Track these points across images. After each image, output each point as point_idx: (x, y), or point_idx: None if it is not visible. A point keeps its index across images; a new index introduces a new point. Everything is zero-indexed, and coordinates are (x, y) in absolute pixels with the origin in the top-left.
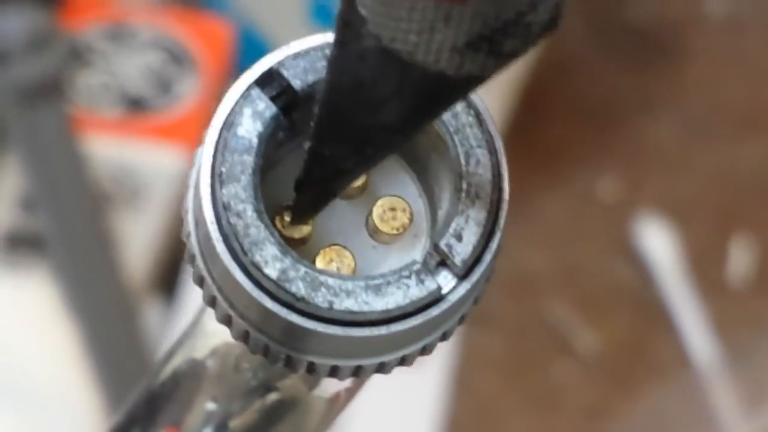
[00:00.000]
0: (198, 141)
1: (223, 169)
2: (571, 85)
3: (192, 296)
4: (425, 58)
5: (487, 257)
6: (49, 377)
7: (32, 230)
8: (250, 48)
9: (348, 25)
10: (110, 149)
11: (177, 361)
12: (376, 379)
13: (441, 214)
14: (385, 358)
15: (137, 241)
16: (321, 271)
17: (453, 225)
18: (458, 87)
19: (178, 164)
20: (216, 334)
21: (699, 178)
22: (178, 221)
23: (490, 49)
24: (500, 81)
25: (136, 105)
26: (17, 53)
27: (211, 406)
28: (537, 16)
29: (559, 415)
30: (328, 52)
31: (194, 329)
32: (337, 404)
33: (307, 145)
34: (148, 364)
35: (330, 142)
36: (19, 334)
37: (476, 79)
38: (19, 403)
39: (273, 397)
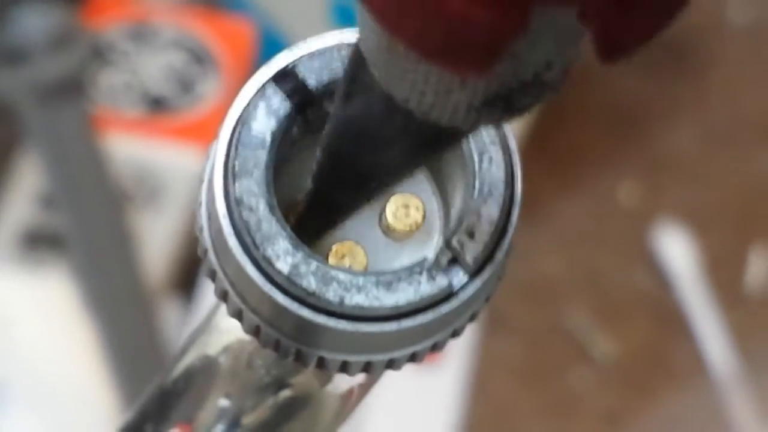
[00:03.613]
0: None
1: (237, 164)
2: (592, 91)
3: (209, 296)
4: (440, 116)
5: (499, 255)
6: (67, 375)
7: (51, 228)
8: (271, 48)
9: (356, 82)
10: (131, 149)
11: (190, 358)
12: (394, 382)
13: (454, 211)
14: (396, 354)
15: (156, 240)
16: (332, 267)
17: (465, 222)
18: (466, 133)
19: (199, 165)
20: (229, 331)
21: (719, 186)
22: None
23: (506, 107)
24: None
25: (157, 105)
26: (39, 51)
27: (223, 402)
28: (552, 74)
29: (575, 422)
30: (344, 52)
31: (207, 326)
32: (350, 401)
33: (309, 184)
34: (165, 363)
35: (333, 183)
36: (38, 331)
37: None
38: (37, 400)
39: (286, 393)
